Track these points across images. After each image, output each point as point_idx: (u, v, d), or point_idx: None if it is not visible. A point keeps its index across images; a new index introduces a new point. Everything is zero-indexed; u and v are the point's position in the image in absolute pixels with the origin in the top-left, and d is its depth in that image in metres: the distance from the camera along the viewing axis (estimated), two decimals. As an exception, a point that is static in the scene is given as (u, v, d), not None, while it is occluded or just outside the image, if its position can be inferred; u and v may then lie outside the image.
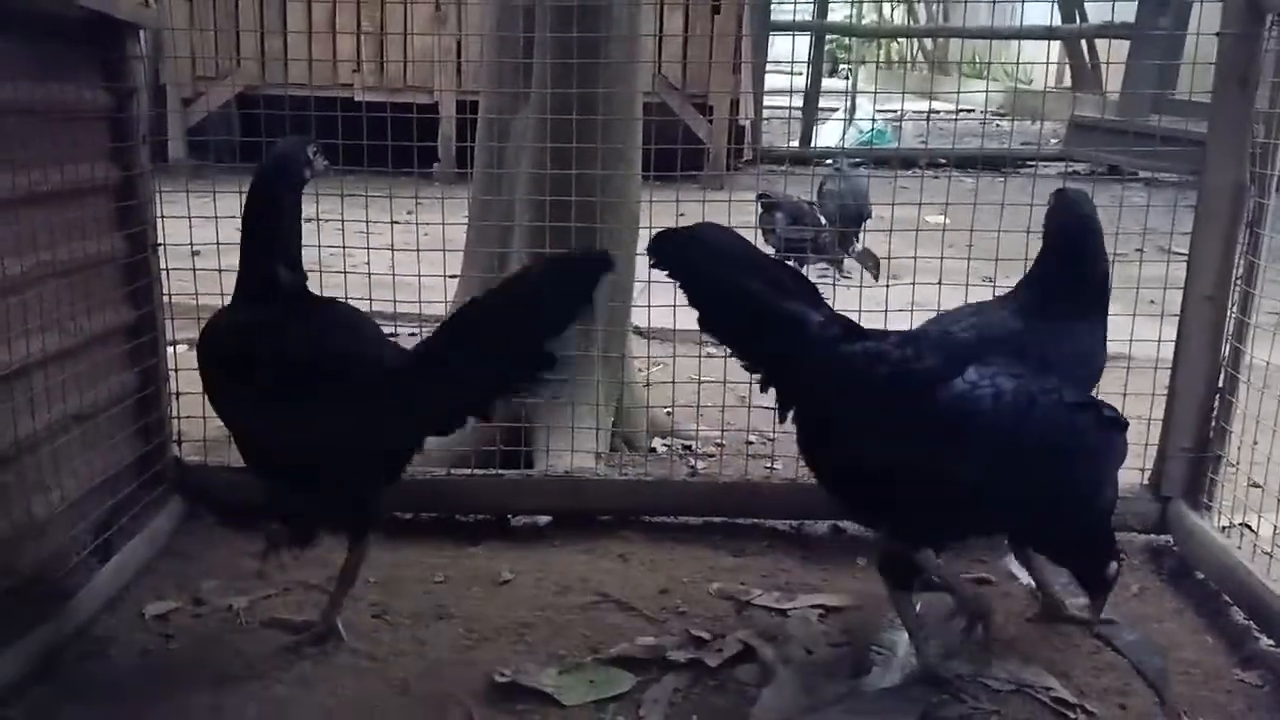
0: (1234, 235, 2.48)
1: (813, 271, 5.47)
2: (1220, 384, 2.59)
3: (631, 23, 2.94)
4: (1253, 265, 2.47)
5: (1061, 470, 2.09)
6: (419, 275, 2.91)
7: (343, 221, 2.86)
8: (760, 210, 5.57)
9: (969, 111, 9.92)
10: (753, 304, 2.06)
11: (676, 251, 2.11)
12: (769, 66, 10.79)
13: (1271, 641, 2.28)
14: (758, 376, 2.14)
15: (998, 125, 10.73)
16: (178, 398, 2.87)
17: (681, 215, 3.03)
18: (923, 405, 2.02)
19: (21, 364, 2.23)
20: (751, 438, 3.43)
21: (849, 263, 5.54)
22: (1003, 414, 2.01)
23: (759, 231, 5.44)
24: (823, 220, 5.57)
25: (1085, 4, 12.29)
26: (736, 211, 2.83)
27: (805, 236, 5.39)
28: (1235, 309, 2.52)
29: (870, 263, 5.06)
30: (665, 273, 2.12)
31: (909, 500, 2.05)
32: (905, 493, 2.05)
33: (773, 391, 2.14)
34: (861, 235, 5.58)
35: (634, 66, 2.99)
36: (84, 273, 2.49)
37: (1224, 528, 2.63)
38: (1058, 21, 12.43)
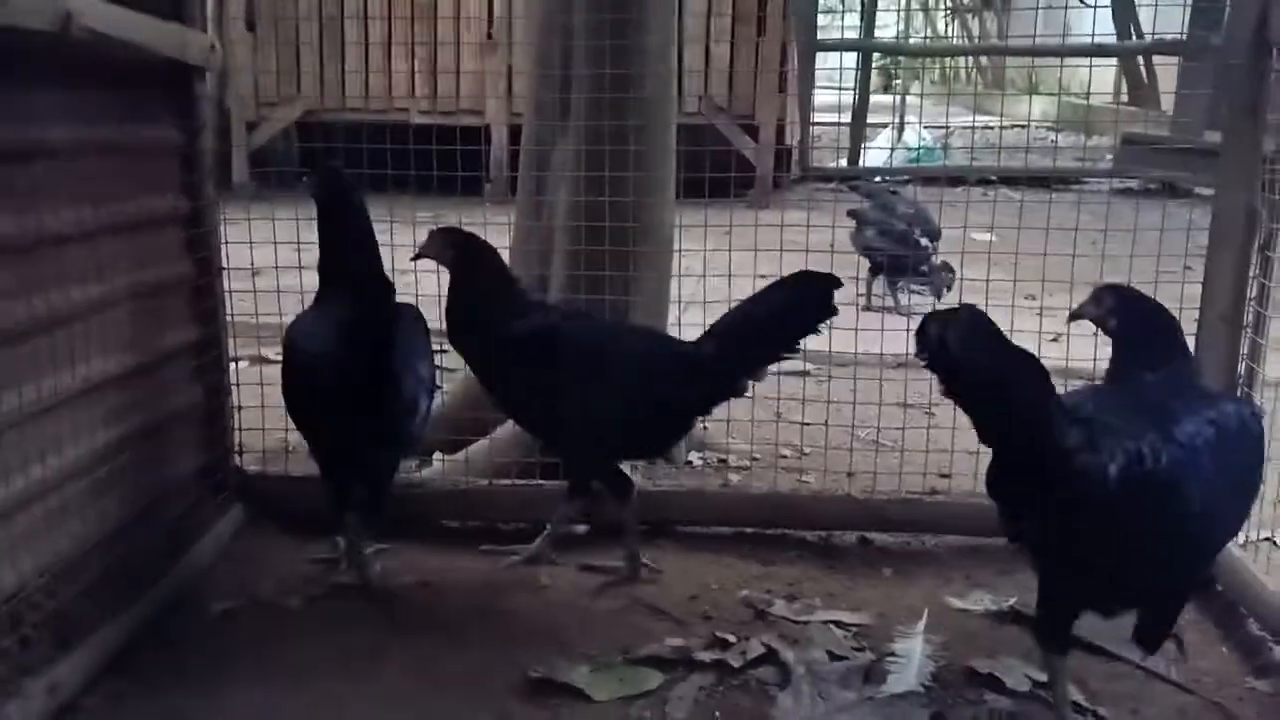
0: (1247, 258, 2.55)
1: (906, 289, 5.74)
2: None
3: (665, 59, 3.08)
4: (1264, 287, 2.53)
5: None
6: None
7: (391, 245, 3.03)
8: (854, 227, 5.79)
9: (1022, 128, 9.88)
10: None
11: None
12: (817, 84, 10.84)
13: (1285, 652, 2.34)
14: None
15: (1052, 142, 10.68)
16: (239, 411, 3.06)
17: (726, 234, 3.16)
18: None
19: (100, 379, 2.42)
20: (785, 451, 3.55)
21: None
22: None
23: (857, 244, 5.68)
24: (924, 241, 5.71)
25: (1139, 19, 12.17)
26: (778, 234, 2.94)
27: (906, 255, 5.53)
28: (1250, 329, 2.58)
29: (947, 275, 5.33)
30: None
31: None
32: None
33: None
34: (936, 252, 5.78)
35: (667, 100, 3.13)
36: (156, 296, 2.68)
37: (1244, 542, 2.68)
38: (1112, 38, 12.32)
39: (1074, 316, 2.31)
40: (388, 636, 2.44)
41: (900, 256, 5.53)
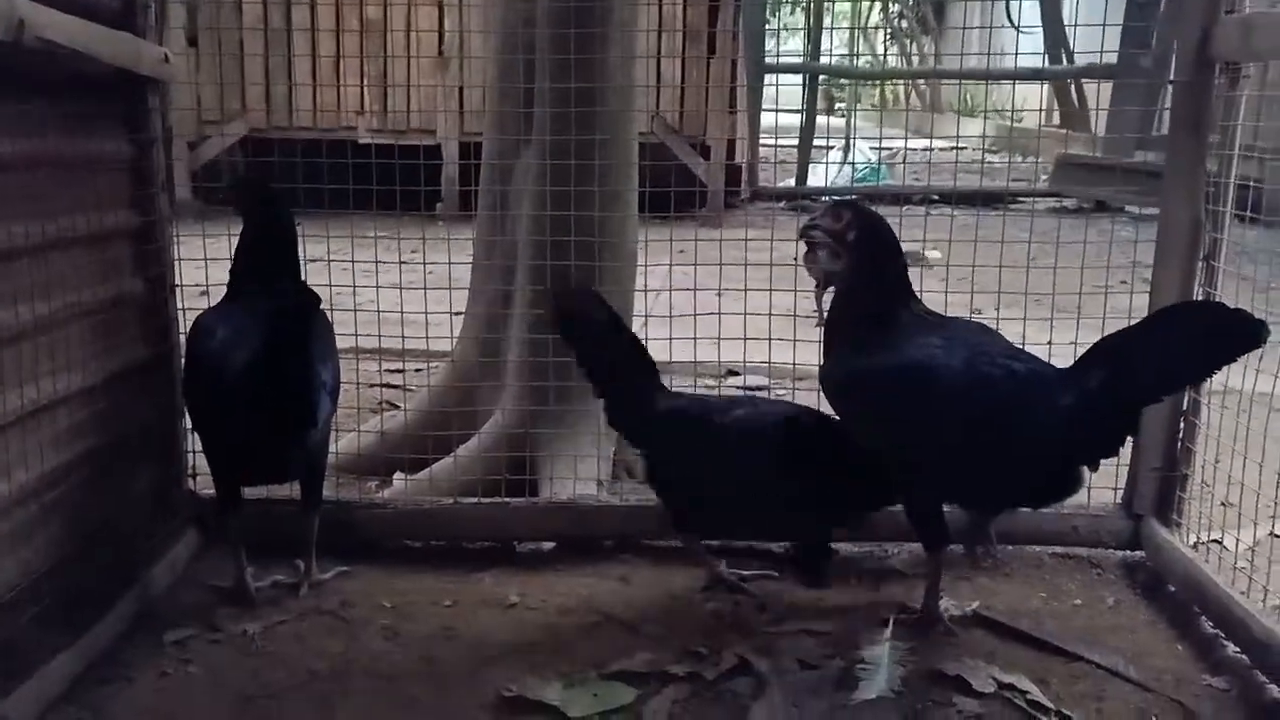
0: (1192, 269, 2.63)
1: None
2: (1184, 407, 2.72)
3: (626, 73, 3.10)
4: (1208, 296, 2.61)
5: None
6: (426, 313, 3.04)
7: (352, 261, 3.00)
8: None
9: (962, 149, 10.09)
10: None
11: None
12: (765, 106, 10.98)
13: (1237, 648, 2.39)
14: None
15: (989, 163, 10.95)
16: (192, 433, 2.98)
17: (681, 252, 3.18)
18: None
19: (49, 400, 2.35)
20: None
21: None
22: None
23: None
24: None
25: (1072, 47, 12.53)
26: (730, 248, 2.98)
27: None
28: (1196, 336, 2.65)
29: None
30: None
31: None
32: None
33: None
34: None
35: (629, 115, 3.15)
36: (106, 314, 2.61)
37: (1195, 544, 2.75)
38: (1046, 63, 12.67)
39: (807, 229, 2.54)
40: (351, 660, 2.40)
41: None
